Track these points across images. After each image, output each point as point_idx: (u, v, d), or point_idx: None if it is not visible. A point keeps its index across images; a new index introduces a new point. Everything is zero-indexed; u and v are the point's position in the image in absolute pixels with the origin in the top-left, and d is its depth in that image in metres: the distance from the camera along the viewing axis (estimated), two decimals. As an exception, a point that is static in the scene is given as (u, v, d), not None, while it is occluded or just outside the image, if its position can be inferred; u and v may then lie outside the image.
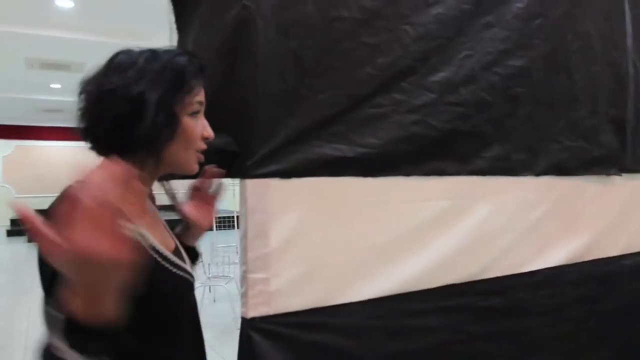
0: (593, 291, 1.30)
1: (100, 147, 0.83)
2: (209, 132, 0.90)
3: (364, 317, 1.34)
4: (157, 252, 0.84)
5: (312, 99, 1.26)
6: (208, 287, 4.86)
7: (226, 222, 5.85)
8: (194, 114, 0.88)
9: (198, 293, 4.58)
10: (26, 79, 7.43)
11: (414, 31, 1.40)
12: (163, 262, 0.85)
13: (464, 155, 1.52)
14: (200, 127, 0.89)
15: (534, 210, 1.69)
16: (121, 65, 0.82)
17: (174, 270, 0.87)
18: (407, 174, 1.40)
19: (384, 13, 1.36)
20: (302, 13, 1.25)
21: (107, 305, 0.59)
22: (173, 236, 1.04)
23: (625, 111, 1.93)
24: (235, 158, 1.20)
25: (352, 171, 1.31)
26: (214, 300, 4.99)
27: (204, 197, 1.15)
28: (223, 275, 4.85)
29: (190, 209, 1.12)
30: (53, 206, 0.75)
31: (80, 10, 4.78)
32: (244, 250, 1.20)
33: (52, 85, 8.08)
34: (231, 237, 5.09)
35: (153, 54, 0.84)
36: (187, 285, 0.93)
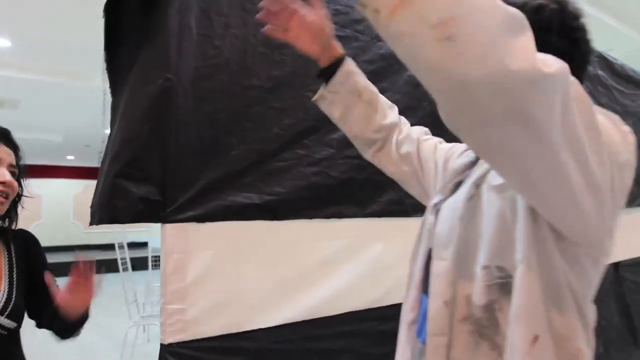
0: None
1: None
2: (2, 176, 1.16)
3: (272, 341, 1.54)
4: None
5: (225, 155, 1.49)
6: (142, 326, 4.83)
7: (162, 261, 5.82)
8: None
9: (131, 332, 4.56)
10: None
11: (315, 97, 1.67)
12: None
13: (361, 200, 1.78)
14: None
15: (424, 246, 1.97)
16: None
17: None
18: (310, 217, 1.64)
19: (290, 82, 1.63)
20: (218, 83, 1.49)
21: None
22: (8, 286, 1.20)
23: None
24: (157, 205, 1.39)
25: (261, 216, 1.54)
26: (148, 340, 4.95)
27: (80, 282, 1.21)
28: (157, 315, 4.82)
29: (63, 296, 1.21)
30: None
31: (17, 49, 4.83)
32: (163, 284, 1.38)
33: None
34: (167, 275, 5.06)
35: None
36: None
